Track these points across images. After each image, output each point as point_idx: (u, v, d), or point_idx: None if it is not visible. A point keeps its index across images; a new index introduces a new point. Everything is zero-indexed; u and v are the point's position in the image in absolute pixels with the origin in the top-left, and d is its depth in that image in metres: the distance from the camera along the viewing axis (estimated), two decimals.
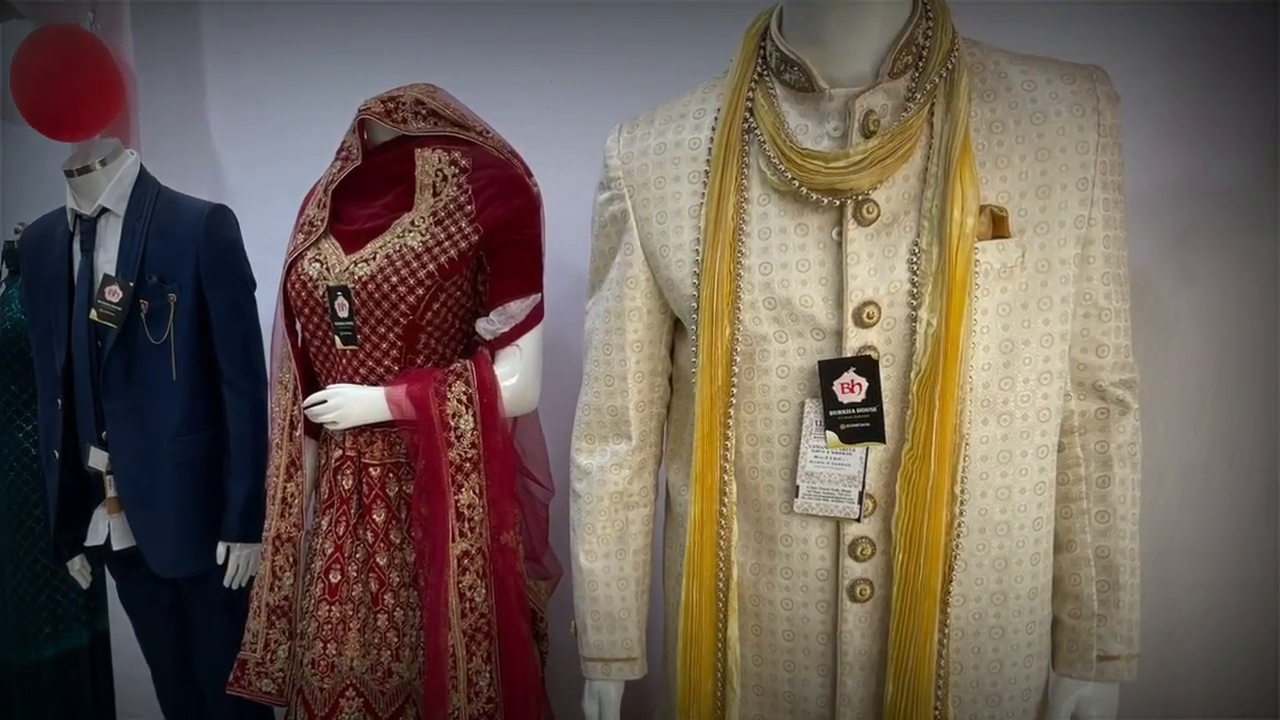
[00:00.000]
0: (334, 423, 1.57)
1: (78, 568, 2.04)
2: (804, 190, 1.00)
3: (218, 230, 1.87)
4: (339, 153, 1.64)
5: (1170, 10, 1.61)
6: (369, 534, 1.59)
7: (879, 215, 1.00)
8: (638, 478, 1.22)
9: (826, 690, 1.08)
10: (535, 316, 1.60)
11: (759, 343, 1.04)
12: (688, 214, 1.08)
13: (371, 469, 1.61)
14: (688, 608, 1.11)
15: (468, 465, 1.54)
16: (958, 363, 0.97)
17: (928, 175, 0.98)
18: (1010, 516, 1.04)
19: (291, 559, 1.66)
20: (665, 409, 1.24)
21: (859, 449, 1.02)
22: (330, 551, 1.61)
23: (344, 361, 1.59)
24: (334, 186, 1.61)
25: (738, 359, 1.06)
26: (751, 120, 1.05)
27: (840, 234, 1.01)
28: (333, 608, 1.58)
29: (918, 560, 0.99)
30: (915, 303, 0.98)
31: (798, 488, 1.04)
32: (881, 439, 1.01)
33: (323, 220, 1.61)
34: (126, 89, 2.33)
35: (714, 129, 1.07)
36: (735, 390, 1.06)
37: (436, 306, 1.56)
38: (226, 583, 1.90)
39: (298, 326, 1.66)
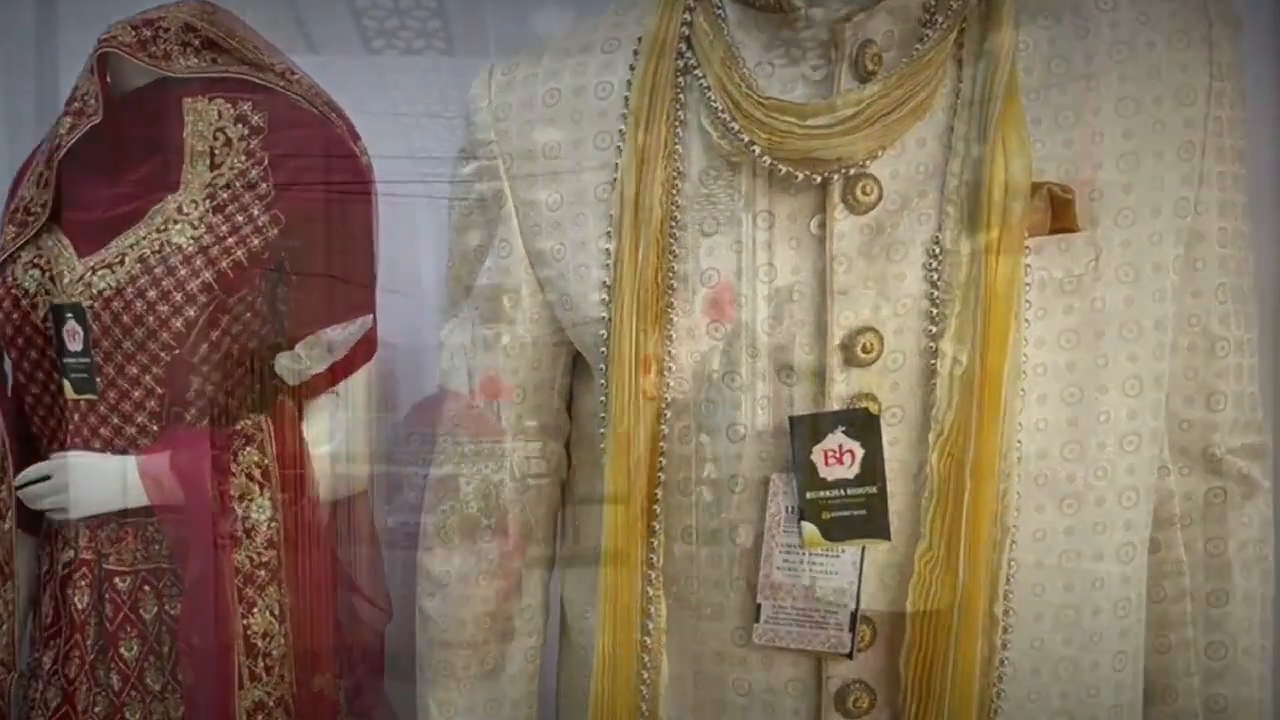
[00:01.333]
0: (62, 510, 1.41)
1: None
2: (768, 160, 0.89)
3: None
4: (69, 105, 1.47)
5: None
6: (114, 677, 1.42)
7: (880, 198, 0.88)
8: (517, 593, 1.11)
9: None
10: (364, 350, 1.47)
11: (701, 388, 0.94)
12: (594, 195, 0.98)
13: (118, 579, 1.44)
14: None
15: (262, 574, 1.40)
16: (999, 420, 0.85)
17: (954, 139, 0.88)
18: (1078, 651, 0.91)
19: None
20: (560, 489, 1.13)
21: (851, 549, 0.90)
22: (57, 703, 1.43)
23: (78, 417, 1.43)
24: (62, 154, 1.46)
25: (668, 414, 0.94)
26: (690, 55, 0.95)
27: (823, 226, 0.90)
28: None
29: (939, 717, 0.88)
30: (935, 330, 0.87)
31: (759, 608, 0.92)
32: (885, 534, 0.89)
33: (45, 205, 1.45)
34: None
35: (633, 68, 0.97)
36: (664, 461, 0.94)
37: (215, 335, 1.42)
38: None
39: (7, 365, 1.51)
